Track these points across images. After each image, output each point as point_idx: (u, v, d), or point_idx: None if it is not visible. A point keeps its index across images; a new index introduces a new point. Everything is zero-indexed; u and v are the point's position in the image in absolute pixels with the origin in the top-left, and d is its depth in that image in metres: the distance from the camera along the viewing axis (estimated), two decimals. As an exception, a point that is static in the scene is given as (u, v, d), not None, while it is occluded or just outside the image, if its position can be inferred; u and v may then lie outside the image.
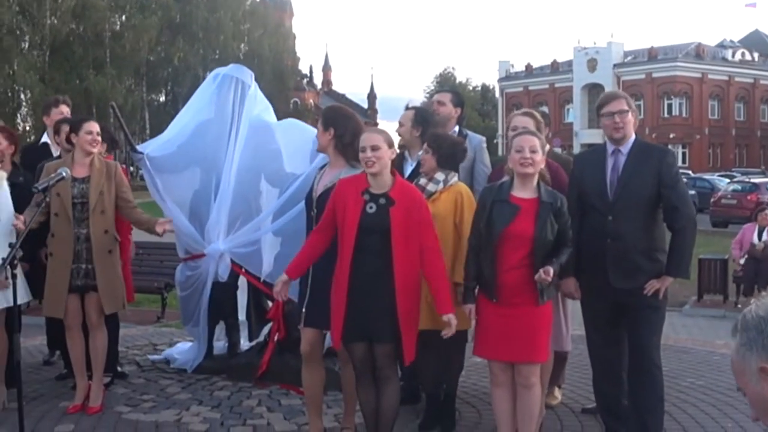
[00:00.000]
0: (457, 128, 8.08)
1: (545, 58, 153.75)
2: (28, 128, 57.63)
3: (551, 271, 5.90)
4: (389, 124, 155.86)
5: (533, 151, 6.10)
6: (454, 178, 6.92)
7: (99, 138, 7.76)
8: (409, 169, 7.51)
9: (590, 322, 6.92)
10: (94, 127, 7.79)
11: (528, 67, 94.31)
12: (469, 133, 8.17)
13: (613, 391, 6.82)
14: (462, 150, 7.08)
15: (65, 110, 9.28)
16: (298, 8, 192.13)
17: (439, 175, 6.87)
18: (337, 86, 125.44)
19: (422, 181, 6.91)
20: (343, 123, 6.59)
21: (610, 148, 6.66)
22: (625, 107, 6.61)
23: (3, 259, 6.24)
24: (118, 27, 64.17)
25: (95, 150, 7.75)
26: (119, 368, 8.98)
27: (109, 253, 7.74)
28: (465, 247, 6.57)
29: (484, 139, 8.38)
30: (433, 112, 7.84)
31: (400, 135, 7.68)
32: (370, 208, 6.09)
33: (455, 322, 6.04)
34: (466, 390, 8.37)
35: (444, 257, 6.47)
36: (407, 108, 7.86)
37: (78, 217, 7.60)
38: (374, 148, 6.04)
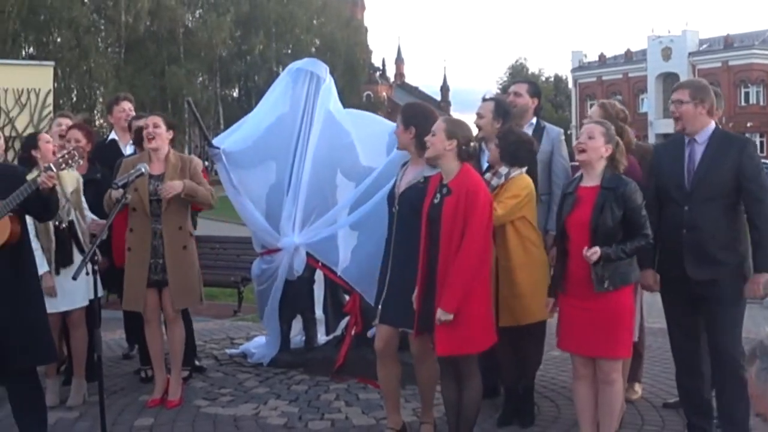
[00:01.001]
0: (534, 120, 7.96)
1: (619, 48, 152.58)
2: (105, 125, 58.39)
3: (597, 252, 5.80)
4: (462, 116, 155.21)
5: (590, 137, 6.07)
6: (516, 172, 6.83)
7: (158, 131, 7.78)
8: (484, 159, 7.44)
9: (670, 314, 6.82)
10: (151, 121, 7.86)
11: (601, 56, 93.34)
12: (547, 125, 8.04)
13: (694, 386, 6.69)
14: (528, 150, 6.95)
15: (127, 107, 9.33)
16: (370, 1, 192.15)
17: (503, 169, 6.82)
18: (410, 79, 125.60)
19: (487, 175, 6.87)
20: (422, 122, 6.52)
21: (686, 138, 6.55)
22: (684, 97, 6.46)
23: (83, 255, 6.28)
24: (191, 24, 64.69)
25: (151, 146, 7.78)
26: (197, 362, 9.04)
27: (183, 249, 7.78)
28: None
29: (561, 131, 8.26)
30: (509, 103, 7.75)
31: (479, 126, 7.59)
32: (436, 198, 6.12)
33: (445, 318, 5.91)
34: (545, 384, 8.29)
35: (510, 257, 6.66)
36: (485, 99, 7.77)
37: (154, 212, 7.66)
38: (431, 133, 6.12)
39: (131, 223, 7.72)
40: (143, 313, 7.87)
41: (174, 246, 7.72)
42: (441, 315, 5.90)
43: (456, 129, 6.11)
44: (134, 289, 7.75)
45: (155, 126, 7.75)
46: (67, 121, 8.91)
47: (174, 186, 7.43)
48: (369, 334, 7.81)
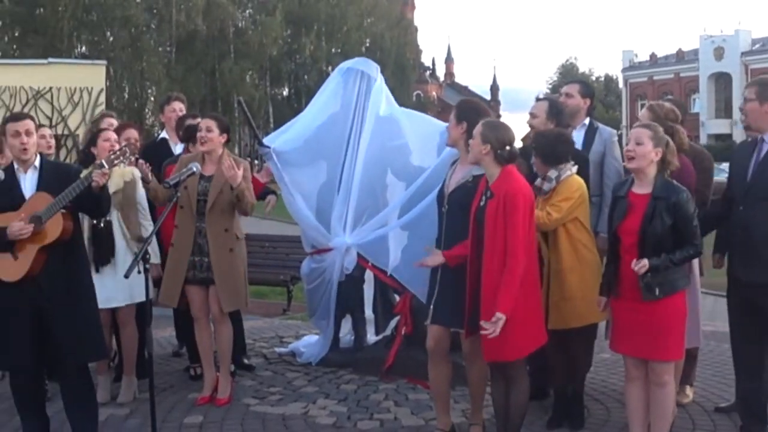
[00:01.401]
0: (587, 120, 7.90)
1: (670, 47, 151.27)
2: (156, 123, 58.77)
3: (646, 265, 5.75)
4: (512, 116, 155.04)
5: (638, 143, 6.01)
6: (566, 172, 6.77)
7: (210, 135, 7.80)
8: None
9: (732, 317, 6.81)
10: (203, 124, 7.89)
11: (652, 56, 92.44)
12: (600, 125, 7.96)
13: (752, 390, 6.62)
14: (563, 143, 6.88)
15: (178, 107, 9.35)
16: (420, 1, 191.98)
17: (552, 173, 6.76)
18: (460, 78, 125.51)
19: (538, 181, 6.83)
20: (475, 117, 6.49)
21: (758, 136, 6.50)
22: (751, 95, 6.49)
23: (135, 253, 6.31)
24: (241, 23, 64.93)
25: (203, 149, 7.81)
26: (246, 360, 9.06)
27: (229, 252, 7.79)
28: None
29: (615, 132, 8.17)
30: (562, 104, 7.69)
31: (532, 126, 7.54)
32: (482, 200, 6.11)
33: (489, 330, 5.81)
34: (595, 387, 8.22)
35: (561, 260, 6.67)
36: (538, 99, 7.72)
37: (200, 211, 7.69)
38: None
39: (177, 221, 7.79)
40: (191, 310, 7.95)
41: (220, 248, 7.73)
42: (497, 318, 5.79)
43: (489, 133, 6.07)
44: (171, 284, 7.82)
45: (208, 130, 7.76)
46: (113, 121, 8.96)
47: (237, 175, 7.43)
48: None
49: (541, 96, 7.83)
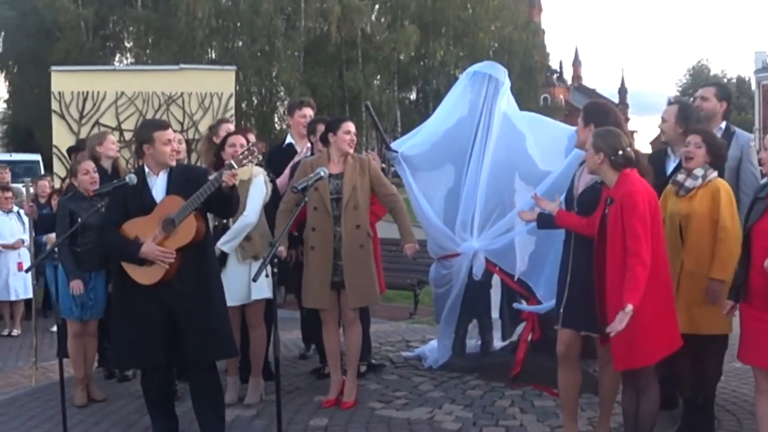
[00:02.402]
0: (723, 124, 7.66)
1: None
2: (284, 128, 59.45)
3: None
4: (640, 119, 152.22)
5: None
6: (712, 174, 6.60)
7: (356, 138, 7.84)
8: (671, 166, 7.21)
9: None
10: (352, 127, 7.90)
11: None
12: (737, 130, 7.71)
13: None
14: (724, 155, 6.77)
15: (308, 112, 9.40)
16: (547, 3, 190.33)
17: (698, 171, 6.58)
18: (588, 81, 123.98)
19: (680, 177, 6.66)
20: (601, 120, 6.40)
21: None
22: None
23: (263, 257, 6.37)
24: (370, 28, 65.24)
25: (352, 150, 7.84)
26: (373, 360, 9.09)
27: (360, 248, 7.81)
28: (725, 244, 6.36)
29: (752, 137, 7.93)
30: (696, 108, 7.51)
31: (662, 131, 7.39)
32: (606, 209, 6.01)
33: (616, 326, 5.64)
34: (726, 397, 8.00)
35: (700, 254, 6.45)
36: (670, 103, 7.56)
37: (334, 213, 7.72)
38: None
39: (313, 223, 7.78)
40: (321, 313, 7.99)
41: (351, 244, 7.76)
42: (627, 310, 5.62)
43: (600, 141, 5.99)
44: (317, 287, 7.83)
45: (355, 133, 7.89)
46: (230, 127, 9.07)
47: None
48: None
49: (672, 99, 7.65)
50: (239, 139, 7.93)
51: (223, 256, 7.74)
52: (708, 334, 6.61)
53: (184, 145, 8.68)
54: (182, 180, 6.51)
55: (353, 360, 8.09)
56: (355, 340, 8.02)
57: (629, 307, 5.60)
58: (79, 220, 7.81)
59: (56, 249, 7.32)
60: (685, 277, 6.60)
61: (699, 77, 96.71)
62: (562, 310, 6.47)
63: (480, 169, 8.54)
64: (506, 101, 8.80)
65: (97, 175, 8.31)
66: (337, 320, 8.06)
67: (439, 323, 9.28)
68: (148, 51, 59.40)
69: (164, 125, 6.73)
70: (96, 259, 8.11)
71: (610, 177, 5.99)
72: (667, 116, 7.30)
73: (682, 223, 6.59)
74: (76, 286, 8.04)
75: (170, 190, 6.47)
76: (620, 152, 5.92)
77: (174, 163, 6.58)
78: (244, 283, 7.64)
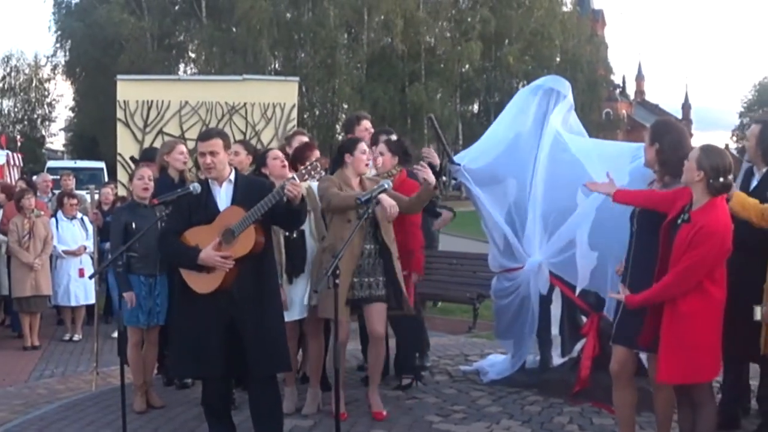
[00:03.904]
0: None
1: None
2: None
3: None
4: (703, 135, 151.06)
5: None
6: None
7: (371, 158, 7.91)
8: (754, 183, 7.13)
9: None
10: (366, 147, 8.03)
11: None
12: None
13: None
14: None
15: (368, 125, 9.38)
16: (611, 17, 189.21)
17: None
18: (650, 96, 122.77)
19: None
20: (666, 139, 6.30)
21: None
22: None
23: (326, 269, 6.37)
24: (434, 40, 65.19)
25: (367, 170, 8.01)
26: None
27: (397, 260, 7.97)
28: None
29: None
30: None
31: (746, 149, 7.30)
32: (679, 219, 5.92)
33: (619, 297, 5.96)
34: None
35: None
36: (755, 122, 7.45)
37: (367, 228, 7.82)
38: None
39: (343, 234, 7.68)
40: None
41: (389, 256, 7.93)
42: (620, 293, 5.98)
43: (705, 160, 5.77)
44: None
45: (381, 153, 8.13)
46: (304, 138, 9.10)
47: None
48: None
49: (758, 118, 7.52)
50: (279, 153, 7.99)
51: (294, 269, 7.80)
52: None
53: (243, 156, 8.68)
54: (246, 191, 6.54)
55: (378, 375, 8.19)
56: (380, 355, 8.11)
57: (624, 296, 5.97)
58: (134, 225, 7.93)
59: (123, 256, 7.34)
60: None
61: (765, 93, 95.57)
62: (614, 326, 6.41)
63: (539, 181, 8.54)
64: (563, 114, 8.78)
65: (151, 183, 8.39)
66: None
67: (499, 338, 9.24)
68: (212, 61, 59.93)
69: (204, 135, 6.74)
70: (153, 264, 8.20)
71: (700, 197, 5.80)
72: (750, 135, 7.20)
73: None
74: (129, 298, 8.13)
75: (235, 200, 6.50)
76: (721, 179, 5.75)
77: (214, 176, 6.57)
78: (301, 297, 7.66)
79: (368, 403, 8.11)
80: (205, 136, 6.72)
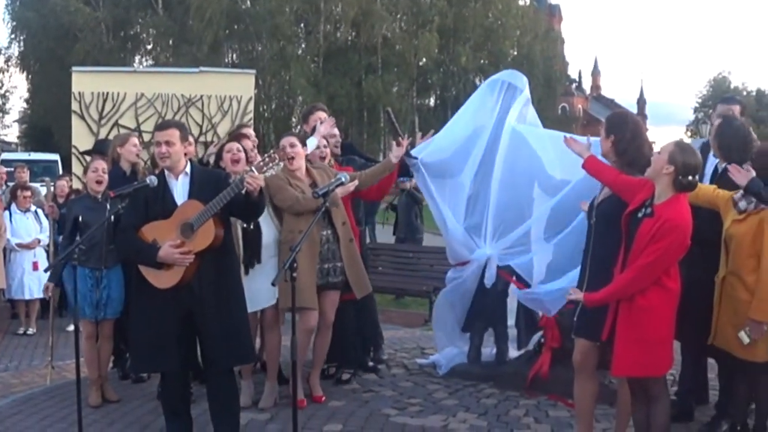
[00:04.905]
0: None
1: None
2: (302, 132, 59.33)
3: None
4: (658, 130, 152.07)
5: None
6: None
7: (295, 150, 8.02)
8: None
9: None
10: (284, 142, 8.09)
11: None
12: None
13: None
14: None
15: (321, 116, 9.39)
16: (568, 13, 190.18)
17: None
18: (606, 91, 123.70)
19: (737, 195, 6.59)
20: (620, 130, 6.34)
21: None
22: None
23: (284, 262, 6.37)
24: (391, 34, 65.09)
25: (292, 166, 8.03)
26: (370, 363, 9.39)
27: (350, 242, 8.20)
28: (764, 284, 6.32)
29: None
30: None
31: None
32: (640, 212, 5.93)
33: (575, 298, 5.96)
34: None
35: (739, 281, 6.45)
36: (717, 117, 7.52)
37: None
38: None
39: (300, 226, 7.76)
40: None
41: (344, 240, 8.13)
42: (575, 295, 5.99)
43: (679, 155, 5.79)
44: (309, 287, 7.88)
45: (292, 146, 8.01)
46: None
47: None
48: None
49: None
50: (234, 146, 7.98)
51: (250, 261, 7.80)
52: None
53: (192, 148, 8.65)
54: (203, 184, 6.50)
55: (321, 361, 8.46)
56: (327, 342, 8.28)
57: (581, 296, 5.98)
58: (80, 218, 7.91)
59: (76, 250, 7.30)
60: (727, 297, 6.62)
61: (719, 89, 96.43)
62: (575, 319, 6.46)
63: (491, 176, 8.57)
64: (519, 109, 8.81)
65: (105, 176, 8.34)
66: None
67: (435, 329, 9.48)
68: (168, 53, 59.55)
69: (162, 126, 6.75)
70: (97, 257, 8.18)
71: (664, 190, 5.83)
72: (712, 130, 7.31)
73: (727, 241, 6.57)
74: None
75: (192, 193, 6.47)
76: (690, 177, 5.77)
77: (167, 165, 6.53)
78: (266, 287, 7.65)
79: (309, 387, 8.26)
80: (163, 126, 6.70)
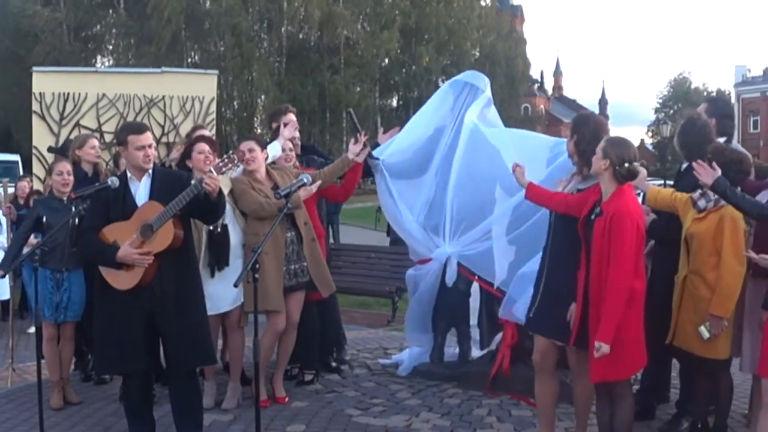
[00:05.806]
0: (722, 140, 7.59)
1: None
2: (264, 132, 59.26)
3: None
4: (620, 130, 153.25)
5: None
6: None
7: (254, 155, 8.05)
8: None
9: None
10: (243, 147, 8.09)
11: (766, 71, 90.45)
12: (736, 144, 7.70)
13: None
14: (737, 171, 6.53)
15: (293, 118, 9.36)
16: (530, 14, 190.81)
17: (713, 194, 6.49)
18: (568, 92, 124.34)
19: (695, 195, 6.64)
20: (582, 131, 6.39)
21: None
22: None
23: (245, 263, 6.37)
24: (354, 34, 65.05)
25: (250, 167, 8.06)
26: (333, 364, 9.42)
27: (312, 241, 8.30)
28: (723, 280, 6.36)
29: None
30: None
31: None
32: (592, 215, 6.02)
33: (603, 351, 5.71)
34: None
35: (700, 278, 6.49)
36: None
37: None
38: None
39: (263, 229, 7.70)
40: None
41: (306, 240, 8.21)
42: (599, 347, 5.72)
43: (610, 149, 5.91)
44: (276, 289, 7.92)
45: (250, 150, 8.01)
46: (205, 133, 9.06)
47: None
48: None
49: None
50: (206, 147, 7.94)
51: (218, 263, 7.80)
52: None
53: (153, 150, 8.60)
54: (164, 185, 6.47)
55: (285, 362, 8.46)
56: (292, 343, 8.30)
57: (602, 346, 5.69)
58: (44, 219, 7.86)
59: (36, 251, 7.23)
60: (688, 296, 6.66)
61: (680, 89, 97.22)
62: (531, 315, 6.51)
63: (449, 176, 8.60)
64: (480, 109, 8.83)
65: (71, 178, 8.28)
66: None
67: (407, 329, 9.40)
68: (129, 54, 59.17)
69: (141, 129, 6.66)
70: (59, 259, 8.11)
71: (608, 186, 5.94)
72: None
73: (688, 240, 6.62)
74: None
75: (153, 194, 6.44)
76: (626, 164, 5.86)
77: (150, 167, 6.54)
78: (231, 289, 7.63)
79: (271, 388, 8.27)
80: (140, 129, 6.65)
